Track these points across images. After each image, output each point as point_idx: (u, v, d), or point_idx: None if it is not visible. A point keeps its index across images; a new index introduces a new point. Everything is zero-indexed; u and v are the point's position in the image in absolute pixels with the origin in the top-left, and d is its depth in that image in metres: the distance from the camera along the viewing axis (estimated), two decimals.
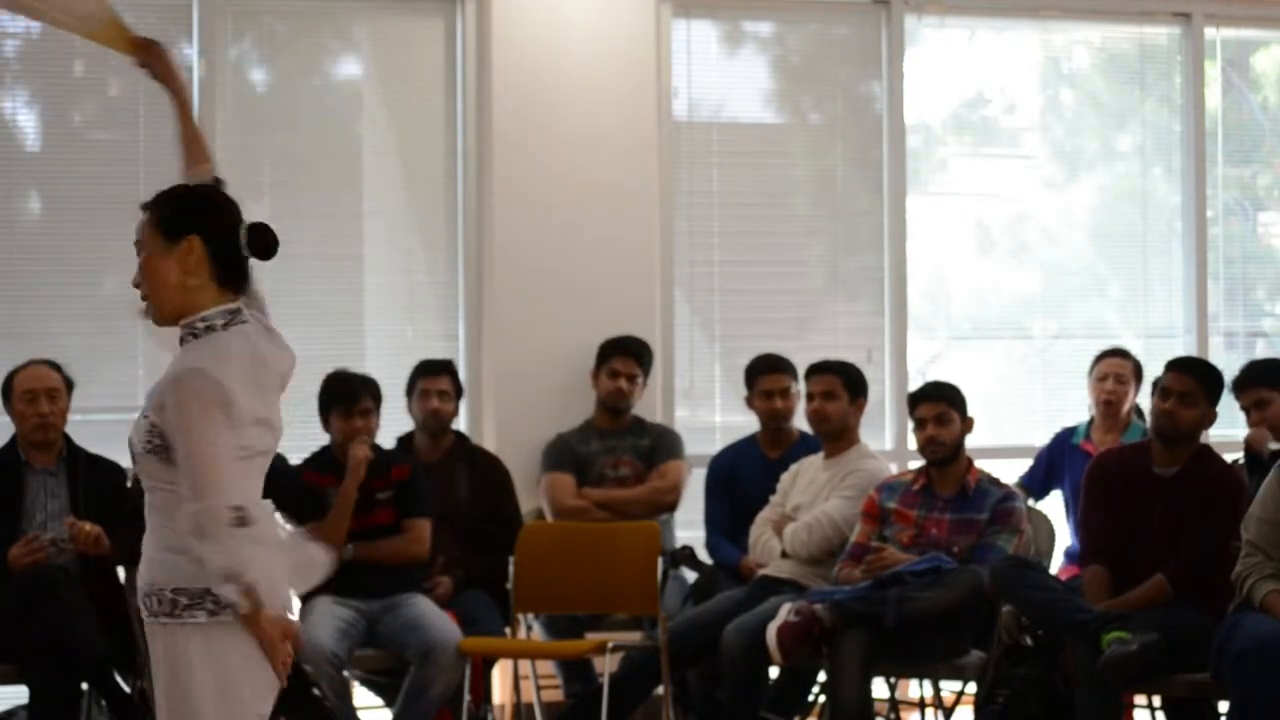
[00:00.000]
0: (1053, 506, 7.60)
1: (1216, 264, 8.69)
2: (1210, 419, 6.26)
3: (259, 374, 3.66)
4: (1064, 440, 7.65)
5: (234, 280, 3.69)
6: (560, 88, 7.76)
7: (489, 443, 7.60)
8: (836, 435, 7.06)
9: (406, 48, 7.85)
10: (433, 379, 7.24)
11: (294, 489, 6.64)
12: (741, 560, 7.13)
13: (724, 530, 7.32)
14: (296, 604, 3.72)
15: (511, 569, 7.00)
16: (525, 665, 7.17)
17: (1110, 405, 7.54)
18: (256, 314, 3.76)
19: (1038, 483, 7.62)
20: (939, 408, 6.69)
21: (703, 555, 7.35)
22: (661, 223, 7.94)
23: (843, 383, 7.08)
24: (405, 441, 7.33)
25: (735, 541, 7.22)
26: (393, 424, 7.23)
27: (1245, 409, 6.97)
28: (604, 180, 7.79)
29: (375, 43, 7.87)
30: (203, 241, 3.66)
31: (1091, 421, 7.64)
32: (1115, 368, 7.60)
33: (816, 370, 7.13)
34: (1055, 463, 7.63)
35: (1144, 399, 7.33)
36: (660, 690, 6.88)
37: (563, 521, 7.32)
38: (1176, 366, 6.31)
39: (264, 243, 3.71)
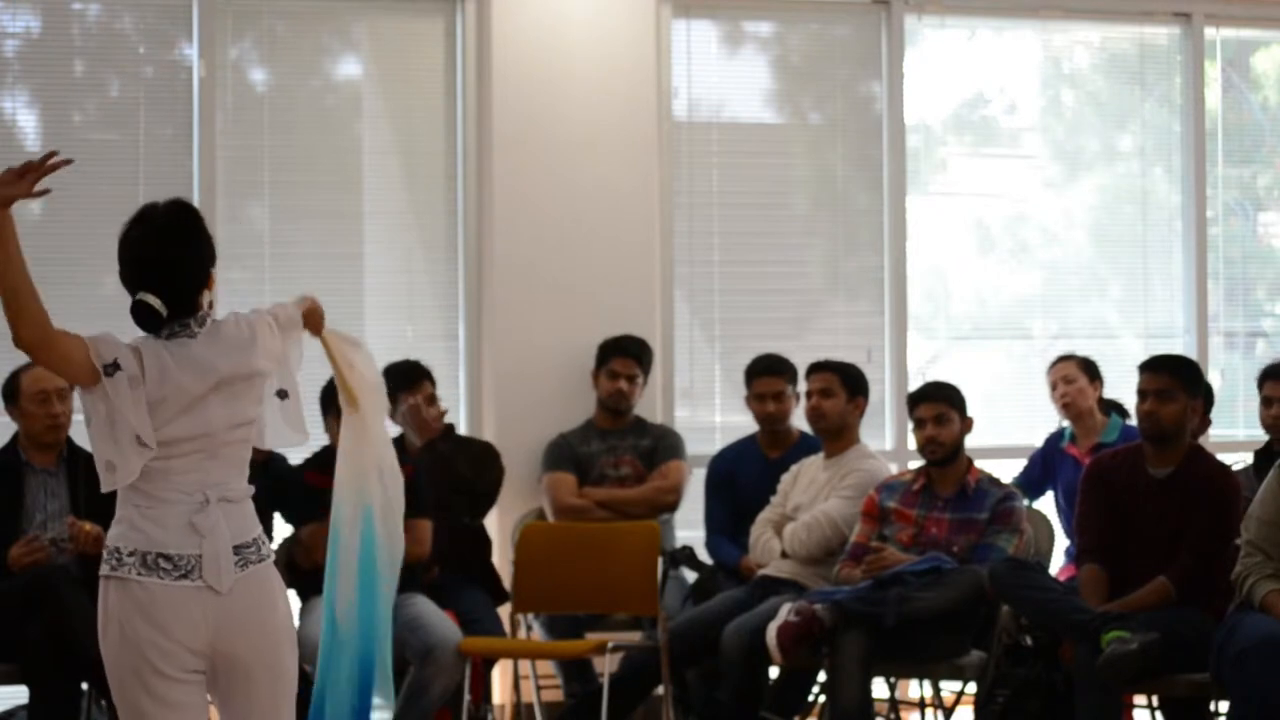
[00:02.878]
0: (1049, 506, 7.60)
1: (1216, 264, 8.69)
2: (1195, 411, 6.22)
3: None
4: (1054, 442, 7.67)
5: None
6: (560, 87, 7.76)
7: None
8: (834, 434, 7.06)
9: (406, 48, 7.85)
10: (416, 388, 7.15)
11: (295, 489, 6.64)
12: (741, 560, 7.13)
13: (724, 530, 7.32)
14: None
15: (511, 568, 7.01)
16: (525, 665, 7.17)
17: (1069, 407, 7.58)
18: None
19: (1033, 483, 7.62)
20: (938, 408, 6.69)
21: (703, 555, 7.35)
22: (661, 223, 7.94)
23: (840, 380, 7.08)
24: (398, 443, 7.30)
25: (735, 541, 7.22)
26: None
27: (1268, 399, 6.93)
28: (604, 180, 7.79)
29: (375, 43, 7.87)
30: None
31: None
32: (1061, 372, 7.65)
33: (815, 369, 7.15)
34: (1049, 464, 7.65)
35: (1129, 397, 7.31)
36: (660, 690, 6.88)
37: (563, 521, 7.32)
38: (1147, 367, 6.30)
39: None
